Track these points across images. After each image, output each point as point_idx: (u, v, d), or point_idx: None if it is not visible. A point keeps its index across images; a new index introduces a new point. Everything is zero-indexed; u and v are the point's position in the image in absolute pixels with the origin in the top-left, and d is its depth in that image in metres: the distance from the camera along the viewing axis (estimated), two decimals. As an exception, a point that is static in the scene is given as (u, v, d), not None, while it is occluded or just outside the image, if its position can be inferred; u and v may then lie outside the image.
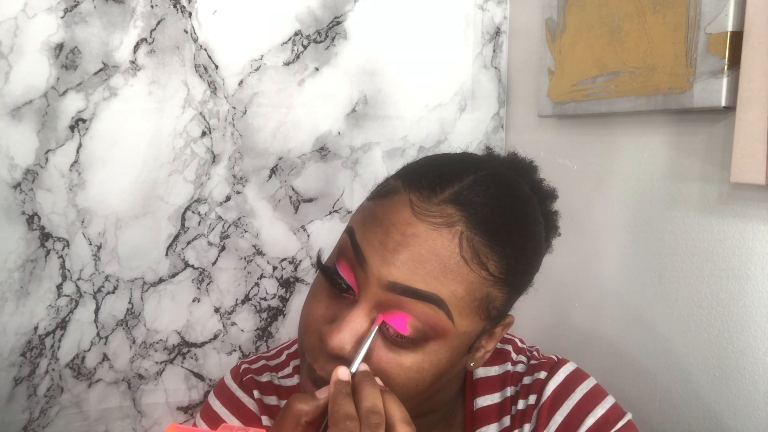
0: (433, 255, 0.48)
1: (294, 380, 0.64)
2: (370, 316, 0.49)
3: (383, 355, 0.49)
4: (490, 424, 0.60)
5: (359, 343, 0.49)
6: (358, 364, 0.48)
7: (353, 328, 0.48)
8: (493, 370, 0.62)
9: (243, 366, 0.66)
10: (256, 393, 0.64)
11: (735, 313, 0.70)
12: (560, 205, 0.98)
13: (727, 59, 0.66)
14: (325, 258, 0.56)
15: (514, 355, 0.63)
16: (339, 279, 0.51)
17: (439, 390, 0.54)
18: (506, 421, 0.60)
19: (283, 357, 0.67)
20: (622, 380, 0.84)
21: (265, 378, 0.65)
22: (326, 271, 0.52)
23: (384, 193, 0.53)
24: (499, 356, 0.63)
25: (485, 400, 0.61)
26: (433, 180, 0.51)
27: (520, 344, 0.65)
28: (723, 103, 0.67)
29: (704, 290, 0.73)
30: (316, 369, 0.50)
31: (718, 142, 0.71)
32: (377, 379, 0.48)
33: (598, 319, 0.91)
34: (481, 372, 0.62)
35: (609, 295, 0.88)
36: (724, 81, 0.66)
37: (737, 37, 0.65)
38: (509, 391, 0.61)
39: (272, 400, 0.64)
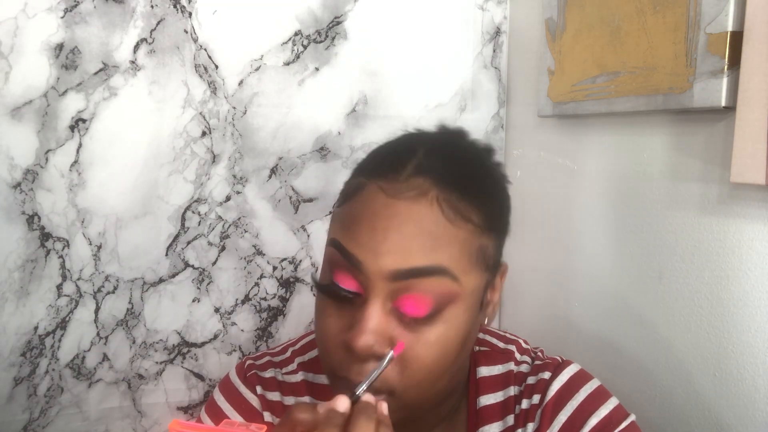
0: (420, 227, 0.50)
1: (298, 377, 0.65)
2: (385, 308, 0.50)
3: (408, 340, 0.50)
4: (493, 423, 0.60)
5: (385, 339, 0.49)
6: (361, 391, 0.48)
7: (374, 325, 0.49)
8: (497, 369, 0.63)
9: (248, 362, 0.67)
10: (258, 389, 0.64)
11: (735, 313, 0.70)
12: (560, 205, 0.98)
13: (727, 59, 0.66)
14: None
15: (518, 355, 0.63)
16: (342, 291, 0.51)
17: (462, 361, 0.56)
18: (510, 420, 0.60)
19: (288, 354, 0.67)
20: (622, 380, 0.84)
21: (268, 374, 0.65)
22: (326, 289, 0.53)
23: (351, 193, 0.54)
24: (502, 356, 0.63)
25: (488, 399, 0.61)
26: (392, 162, 0.53)
27: (524, 345, 0.66)
28: (723, 103, 0.66)
29: (704, 290, 0.73)
30: (352, 379, 0.50)
31: (718, 142, 0.71)
32: (382, 406, 0.47)
33: (598, 319, 0.91)
34: (485, 371, 0.62)
35: (609, 295, 0.88)
36: (724, 81, 0.66)
37: (737, 37, 0.65)
38: (512, 390, 0.61)
39: (275, 395, 0.64)
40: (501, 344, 0.65)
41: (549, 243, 1.01)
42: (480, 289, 0.53)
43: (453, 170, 0.53)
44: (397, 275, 0.49)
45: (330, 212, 1.01)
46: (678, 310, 0.77)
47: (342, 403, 0.45)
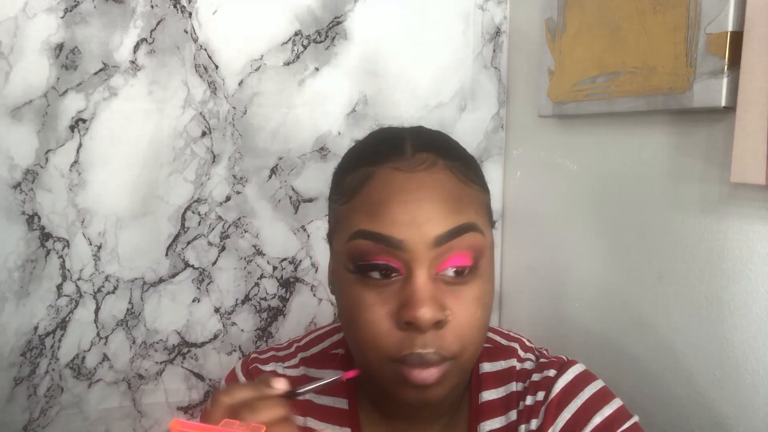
0: (444, 192, 0.52)
1: (299, 371, 0.65)
2: (430, 277, 0.51)
3: (457, 303, 0.51)
4: (495, 418, 0.61)
5: (439, 306, 0.50)
6: (302, 391, 0.51)
7: (428, 294, 0.50)
8: (499, 366, 0.63)
9: (252, 356, 0.68)
10: None
11: (735, 314, 0.70)
12: (560, 205, 0.98)
13: (727, 59, 0.66)
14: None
15: (521, 353, 0.64)
16: (385, 266, 0.52)
17: None
18: (512, 415, 0.61)
19: (292, 349, 0.68)
20: (622, 380, 0.84)
21: (269, 367, 0.66)
22: (373, 266, 0.52)
23: (360, 185, 0.55)
24: (505, 352, 0.64)
25: (490, 394, 0.62)
26: (392, 146, 0.55)
27: (528, 343, 0.66)
28: (723, 103, 0.66)
29: (704, 290, 0.73)
30: (420, 353, 0.51)
31: (718, 142, 0.71)
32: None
33: (597, 319, 0.91)
34: (488, 367, 0.63)
35: (609, 295, 0.88)
36: (724, 81, 0.66)
37: (737, 37, 0.65)
38: (514, 386, 0.62)
39: None
40: (504, 341, 0.65)
41: (549, 243, 1.01)
42: (492, 243, 0.57)
43: (444, 144, 0.57)
44: (440, 240, 0.51)
45: (330, 212, 1.01)
46: (678, 310, 0.77)
47: (279, 382, 0.48)
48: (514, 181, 1.10)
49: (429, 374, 0.51)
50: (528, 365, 0.63)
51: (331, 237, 0.59)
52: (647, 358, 0.82)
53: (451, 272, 0.52)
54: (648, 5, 0.76)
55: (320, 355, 0.66)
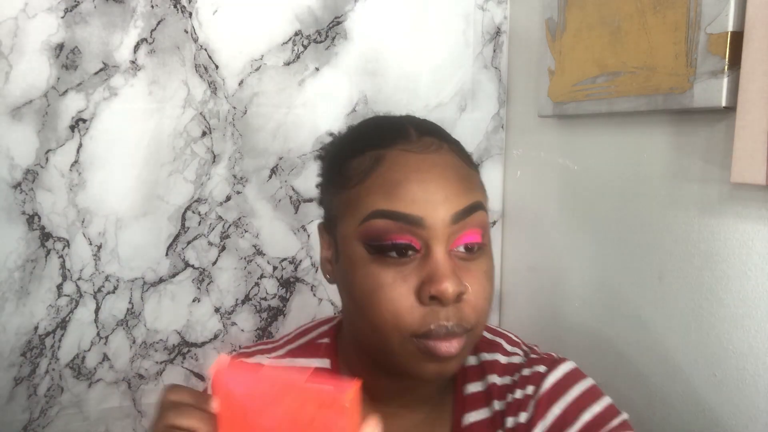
0: (456, 172, 0.55)
1: (285, 362, 0.66)
2: (446, 250, 0.53)
3: (470, 277, 0.53)
4: (479, 409, 0.61)
5: (458, 279, 0.52)
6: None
7: (450, 269, 0.52)
8: (482, 357, 0.64)
9: (241, 350, 0.69)
10: None
11: (735, 314, 0.70)
12: (560, 205, 0.98)
13: (727, 59, 0.66)
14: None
15: (508, 347, 0.65)
16: (406, 246, 0.53)
17: None
18: (496, 406, 0.61)
19: (281, 342, 0.69)
20: (622, 380, 0.84)
21: (254, 359, 0.67)
22: (392, 246, 0.53)
23: (370, 167, 0.55)
24: (489, 346, 0.64)
25: (474, 387, 0.62)
26: (396, 130, 0.57)
27: (514, 338, 0.67)
28: (723, 103, 0.66)
29: (704, 290, 0.73)
30: (445, 324, 0.52)
31: (718, 142, 0.71)
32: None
33: (597, 319, 0.91)
34: (473, 360, 0.64)
35: (609, 295, 0.88)
36: (725, 81, 0.66)
37: (737, 37, 0.65)
38: (497, 379, 0.62)
39: None
40: (489, 335, 0.66)
41: (549, 243, 1.01)
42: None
43: (440, 129, 0.59)
44: (456, 218, 0.53)
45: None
46: (678, 310, 0.77)
47: (216, 402, 0.47)
48: (514, 181, 1.10)
49: (452, 345, 0.52)
50: (516, 359, 0.63)
51: (331, 223, 0.58)
52: (647, 357, 0.82)
53: (462, 249, 0.54)
54: (648, 5, 0.76)
55: (306, 346, 0.67)
